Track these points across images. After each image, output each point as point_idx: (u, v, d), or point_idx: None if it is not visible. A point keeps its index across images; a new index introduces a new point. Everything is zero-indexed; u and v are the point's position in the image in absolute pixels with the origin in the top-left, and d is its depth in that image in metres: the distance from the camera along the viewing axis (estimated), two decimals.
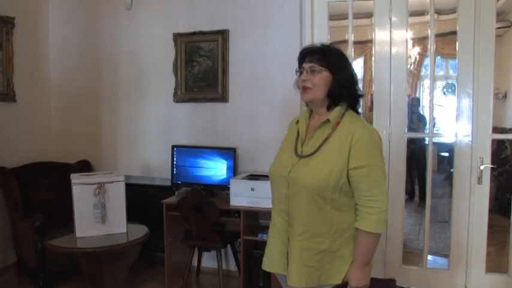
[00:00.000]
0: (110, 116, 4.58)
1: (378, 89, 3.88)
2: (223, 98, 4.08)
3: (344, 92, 1.88)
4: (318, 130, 1.90)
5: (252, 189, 3.57)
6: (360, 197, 1.79)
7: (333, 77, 1.87)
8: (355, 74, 1.96)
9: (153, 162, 4.40)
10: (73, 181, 3.25)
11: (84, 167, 4.50)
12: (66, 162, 4.50)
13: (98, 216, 3.29)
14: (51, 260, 3.67)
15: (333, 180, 1.77)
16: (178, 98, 4.24)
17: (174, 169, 4.03)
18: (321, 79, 1.86)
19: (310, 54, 1.90)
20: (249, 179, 3.69)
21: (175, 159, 4.03)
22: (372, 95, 4.34)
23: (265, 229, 3.69)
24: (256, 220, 3.94)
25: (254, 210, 3.62)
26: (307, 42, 3.88)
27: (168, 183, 4.14)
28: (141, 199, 4.01)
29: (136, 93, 4.45)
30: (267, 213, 3.67)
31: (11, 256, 4.25)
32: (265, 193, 3.50)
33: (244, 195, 3.59)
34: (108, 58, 4.53)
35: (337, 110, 1.88)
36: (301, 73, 1.93)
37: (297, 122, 2.05)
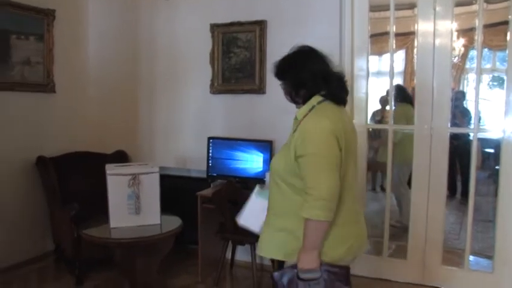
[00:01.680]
0: (147, 106, 4.47)
1: (420, 82, 3.63)
2: (260, 89, 3.90)
3: (297, 91, 1.98)
4: (294, 123, 2.01)
5: None
6: (304, 183, 1.81)
7: (287, 85, 2.02)
8: (303, 75, 1.96)
9: (188, 154, 4.26)
10: (108, 172, 3.13)
11: (121, 157, 4.40)
12: (103, 152, 4.41)
13: (132, 207, 3.17)
14: (86, 249, 3.57)
15: (286, 166, 1.89)
16: (215, 90, 4.08)
17: (210, 161, 3.87)
18: (286, 90, 2.04)
19: (274, 75, 2.08)
20: None
21: (211, 151, 3.87)
22: (413, 88, 4.10)
23: None
24: None
25: None
26: (346, 34, 3.69)
27: (203, 175, 3.98)
28: (176, 191, 3.87)
29: (173, 85, 4.32)
30: None
31: (49, 243, 4.20)
32: None
33: None
34: (146, 49, 4.41)
35: (306, 106, 1.94)
36: None
37: None
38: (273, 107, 3.83)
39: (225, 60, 4.00)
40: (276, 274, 1.89)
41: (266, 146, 3.73)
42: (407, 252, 3.74)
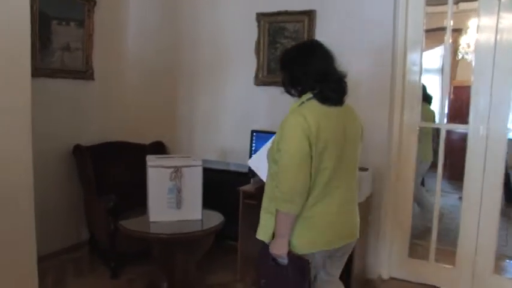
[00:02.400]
0: (187, 96, 4.28)
1: (477, 79, 3.33)
2: None
3: (292, 85, 2.06)
4: None
5: None
6: None
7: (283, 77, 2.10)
8: (297, 69, 2.03)
9: (228, 147, 4.06)
10: (149, 163, 2.96)
11: (159, 148, 4.23)
12: (141, 142, 4.25)
13: (173, 201, 3.00)
14: (122, 241, 3.41)
15: (272, 155, 2.01)
16: (259, 81, 3.87)
17: (253, 155, 3.65)
18: (282, 81, 2.12)
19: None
20: None
21: (254, 144, 3.67)
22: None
23: None
24: None
25: None
26: (400, 29, 3.43)
27: (243, 169, 3.78)
28: (215, 184, 3.67)
29: (215, 75, 4.12)
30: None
31: (84, 233, 4.07)
32: None
33: None
34: (188, 38, 4.22)
35: (299, 100, 2.01)
36: None
37: None
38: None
39: (271, 51, 3.77)
40: (260, 250, 2.08)
41: None
42: (456, 258, 3.49)
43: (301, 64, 2.01)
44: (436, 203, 3.56)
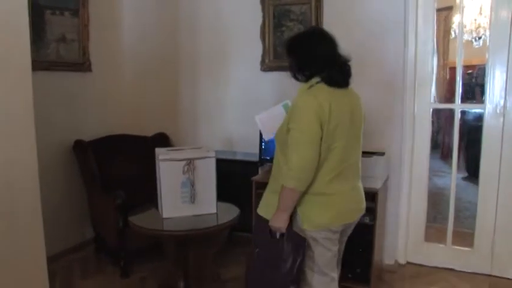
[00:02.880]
0: (189, 85, 4.10)
1: (492, 58, 3.20)
2: None
3: (300, 70, 2.09)
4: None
5: None
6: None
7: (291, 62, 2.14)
8: (307, 56, 2.07)
9: (235, 136, 3.90)
10: (160, 157, 2.78)
11: (162, 140, 4.06)
12: (143, 135, 4.06)
13: (187, 196, 2.83)
14: (132, 239, 3.26)
15: (281, 136, 2.06)
16: (265, 67, 3.70)
17: (263, 143, 3.48)
18: (289, 67, 2.16)
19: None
20: None
21: None
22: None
23: (368, 212, 3.15)
24: None
25: None
26: (410, 7, 3.26)
27: (251, 158, 3.63)
28: (223, 174, 3.49)
29: (218, 61, 3.93)
30: (371, 195, 3.16)
31: (88, 231, 3.89)
32: (367, 171, 2.96)
33: None
34: (188, 23, 4.01)
35: (307, 84, 2.04)
36: None
37: None
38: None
39: (277, 35, 3.60)
40: (261, 225, 2.13)
41: None
42: (474, 240, 3.40)
43: (309, 49, 2.07)
44: (452, 184, 3.45)
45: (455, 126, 3.37)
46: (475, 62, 5.47)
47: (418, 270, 3.51)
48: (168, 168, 2.78)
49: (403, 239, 3.53)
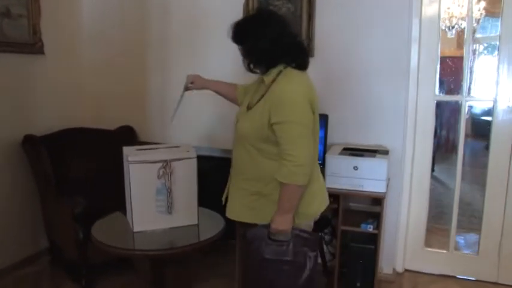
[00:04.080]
0: (159, 72, 3.52)
1: (503, 48, 2.81)
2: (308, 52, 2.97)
3: (258, 60, 1.88)
4: (260, 87, 1.94)
5: (355, 168, 2.59)
6: (280, 149, 1.78)
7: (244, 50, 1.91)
8: (266, 40, 1.82)
9: (213, 131, 3.37)
10: (129, 158, 2.22)
11: (127, 134, 3.50)
12: (106, 128, 3.47)
13: (163, 205, 2.29)
14: (95, 252, 2.68)
15: (257, 132, 1.83)
16: None
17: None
18: (243, 55, 1.93)
19: (231, 38, 1.93)
20: (350, 154, 2.67)
21: None
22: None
23: (370, 218, 2.74)
24: (357, 206, 2.97)
25: (357, 194, 2.63)
26: None
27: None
28: (199, 173, 3.00)
29: (193, 45, 3.37)
30: (373, 199, 2.74)
31: (42, 241, 3.28)
32: (372, 173, 2.57)
33: (344, 175, 2.61)
34: (157, 4, 3.43)
35: (275, 70, 1.86)
36: None
37: None
38: (324, 73, 2.95)
39: None
40: (249, 232, 1.88)
41: (320, 121, 2.86)
42: (480, 246, 3.04)
43: (264, 36, 1.82)
44: (456, 184, 3.06)
45: (462, 119, 2.97)
46: None
47: (418, 278, 3.12)
48: (139, 172, 2.24)
49: (401, 244, 3.13)
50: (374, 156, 2.62)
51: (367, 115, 2.99)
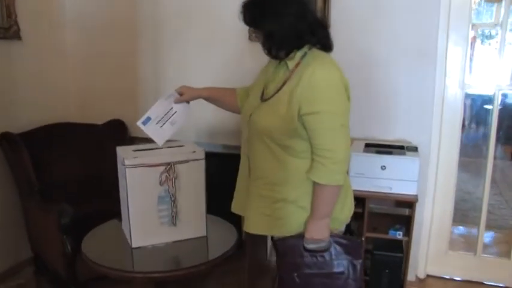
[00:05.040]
0: (151, 59, 3.14)
1: None
2: None
3: (283, 42, 1.56)
4: (279, 73, 1.65)
5: (383, 168, 2.29)
6: (313, 145, 1.54)
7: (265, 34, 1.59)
8: (287, 18, 1.53)
9: (213, 124, 3.03)
10: (126, 162, 1.88)
11: (117, 128, 3.14)
12: (93, 123, 3.10)
13: (166, 215, 1.96)
14: (84, 266, 2.33)
15: (283, 125, 1.55)
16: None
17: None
18: (264, 41, 1.61)
19: (244, 21, 1.65)
20: (377, 152, 2.36)
21: None
22: None
23: (395, 222, 2.45)
24: (379, 208, 2.66)
25: (385, 197, 2.33)
26: None
27: (236, 151, 2.79)
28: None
29: (190, 28, 2.99)
30: (402, 202, 2.45)
31: (25, 250, 2.91)
32: (402, 173, 2.27)
33: (370, 176, 2.31)
34: None
35: (298, 53, 1.59)
36: None
37: None
38: (341, 58, 2.58)
39: None
40: (280, 244, 1.65)
41: None
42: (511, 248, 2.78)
43: (287, 15, 1.54)
44: (486, 181, 2.77)
45: (495, 111, 2.68)
46: None
47: (442, 284, 2.85)
48: (138, 178, 1.90)
49: (424, 248, 2.85)
50: (404, 154, 2.32)
51: (388, 106, 2.69)
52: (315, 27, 1.60)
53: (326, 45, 1.63)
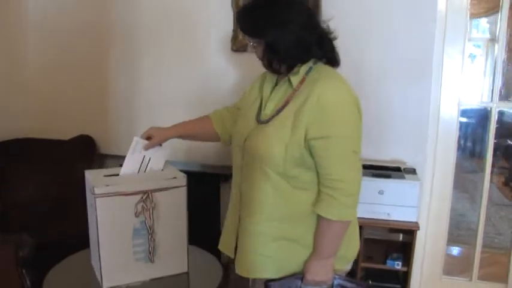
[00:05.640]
0: (124, 70, 2.90)
1: None
2: None
3: (287, 55, 1.39)
4: (279, 90, 1.46)
5: (381, 193, 2.11)
6: (321, 174, 1.37)
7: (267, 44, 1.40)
8: (292, 25, 1.36)
9: (193, 142, 2.78)
10: (96, 190, 1.63)
11: (85, 145, 2.91)
12: (58, 138, 2.84)
13: (142, 250, 1.72)
14: None
15: (287, 152, 1.36)
16: (239, 45, 2.57)
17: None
18: (264, 52, 1.42)
19: (241, 29, 1.50)
20: (374, 175, 2.17)
21: None
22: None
23: (392, 249, 2.29)
24: (377, 235, 2.48)
25: (383, 225, 2.16)
26: None
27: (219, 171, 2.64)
28: None
29: (168, 36, 2.76)
30: (403, 230, 2.29)
31: None
32: (401, 198, 2.11)
33: (366, 202, 2.12)
34: None
35: (303, 67, 1.42)
36: None
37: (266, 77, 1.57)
38: None
39: None
40: (273, 284, 1.45)
41: None
42: (509, 273, 2.65)
43: (291, 23, 1.38)
44: (483, 201, 2.64)
45: (492, 128, 2.56)
46: None
47: None
48: (110, 208, 1.65)
49: (417, 274, 2.69)
50: (403, 178, 2.15)
51: (381, 123, 2.52)
52: (322, 39, 1.45)
53: (333, 60, 1.48)
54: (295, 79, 1.42)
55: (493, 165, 2.62)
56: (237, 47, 2.57)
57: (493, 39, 2.66)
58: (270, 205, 1.46)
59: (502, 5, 2.47)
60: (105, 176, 1.75)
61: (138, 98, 2.87)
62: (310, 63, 1.44)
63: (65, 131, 2.89)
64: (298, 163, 1.39)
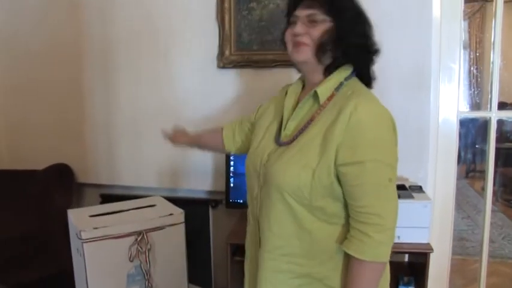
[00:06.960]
0: (101, 90, 2.68)
1: None
2: None
3: (350, 45, 1.23)
4: (303, 107, 1.28)
5: None
6: (352, 206, 1.18)
7: (334, 26, 1.22)
8: (366, 19, 1.27)
9: (176, 166, 2.59)
10: (83, 235, 1.46)
11: (62, 175, 2.67)
12: (29, 168, 2.61)
13: None
14: None
15: (315, 180, 1.17)
16: (225, 61, 2.40)
17: (231, 179, 2.22)
18: (324, 33, 1.21)
19: None
20: None
21: (232, 162, 2.25)
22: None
23: (401, 271, 2.17)
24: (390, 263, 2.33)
25: (394, 248, 2.00)
26: None
27: (199, 195, 2.50)
28: None
29: (148, 53, 2.55)
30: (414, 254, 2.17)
31: None
32: (411, 220, 2.00)
33: None
34: (97, 2, 2.60)
35: (333, 79, 1.25)
36: (292, 23, 1.26)
37: (287, 92, 1.39)
38: None
39: (243, 14, 2.32)
40: None
41: None
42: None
43: (363, 13, 1.28)
44: (486, 216, 2.54)
45: (491, 138, 2.47)
46: None
47: None
48: (100, 254, 1.48)
49: None
50: (412, 197, 2.01)
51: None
52: (369, 43, 1.30)
53: (367, 77, 1.32)
54: (322, 93, 1.25)
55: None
56: (223, 64, 2.39)
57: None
58: (291, 239, 1.28)
59: (495, 11, 2.41)
60: (90, 216, 1.57)
61: (116, 121, 2.66)
62: (339, 77, 1.27)
63: (38, 160, 2.65)
64: (328, 193, 1.20)
